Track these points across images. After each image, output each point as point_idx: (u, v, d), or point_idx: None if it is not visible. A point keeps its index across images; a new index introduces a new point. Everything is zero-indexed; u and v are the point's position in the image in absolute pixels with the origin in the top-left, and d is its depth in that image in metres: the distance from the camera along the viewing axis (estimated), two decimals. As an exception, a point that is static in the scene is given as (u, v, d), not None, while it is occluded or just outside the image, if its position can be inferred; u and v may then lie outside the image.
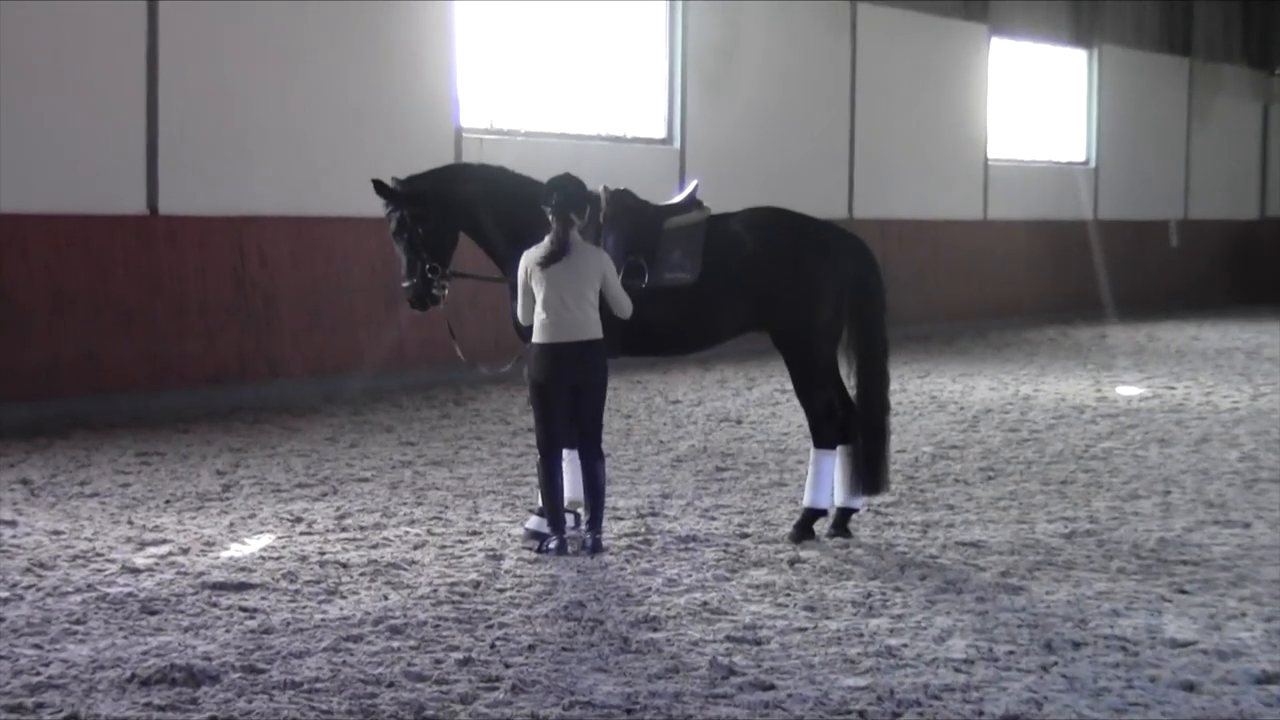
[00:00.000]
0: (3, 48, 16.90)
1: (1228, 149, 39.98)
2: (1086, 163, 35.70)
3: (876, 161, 29.19)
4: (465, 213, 11.53)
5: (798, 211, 12.00)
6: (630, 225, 11.38)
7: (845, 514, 11.62)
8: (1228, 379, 22.25)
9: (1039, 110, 34.39)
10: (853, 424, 11.52)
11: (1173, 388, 21.23)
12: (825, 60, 28.21)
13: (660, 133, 25.22)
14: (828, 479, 11.50)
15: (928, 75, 30.58)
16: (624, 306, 11.02)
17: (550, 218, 10.84)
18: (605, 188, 11.55)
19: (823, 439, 11.53)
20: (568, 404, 10.99)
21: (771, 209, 12.04)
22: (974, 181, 32.08)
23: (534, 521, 11.33)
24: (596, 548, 10.92)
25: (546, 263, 10.79)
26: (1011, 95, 33.33)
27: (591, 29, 24.02)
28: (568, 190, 10.95)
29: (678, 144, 25.21)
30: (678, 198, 11.81)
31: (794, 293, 11.45)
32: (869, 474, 11.47)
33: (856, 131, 28.90)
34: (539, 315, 10.84)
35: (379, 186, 11.46)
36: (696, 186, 11.83)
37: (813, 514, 11.54)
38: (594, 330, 10.91)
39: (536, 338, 10.90)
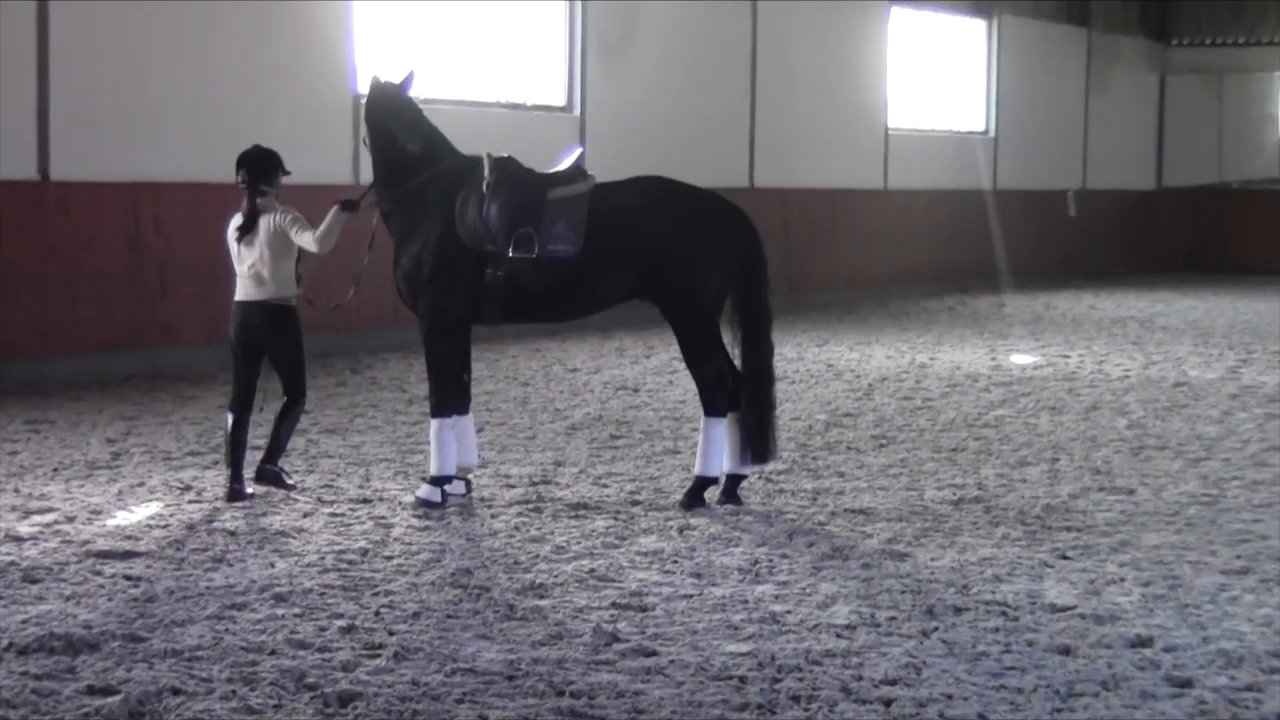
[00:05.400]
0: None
1: (1125, 120, 40.25)
2: (985, 132, 35.89)
3: (777, 130, 29.23)
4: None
5: (682, 181, 12.01)
6: (515, 195, 11.31)
7: (735, 481, 11.67)
8: (1120, 348, 22.47)
9: (939, 80, 34.53)
10: (740, 393, 11.57)
11: (1066, 356, 21.43)
12: (727, 29, 28.20)
13: (560, 100, 25.16)
14: (719, 447, 11.54)
15: (829, 44, 30.63)
16: (317, 240, 11.55)
17: (242, 188, 11.64)
18: (489, 155, 11.51)
19: (714, 407, 11.57)
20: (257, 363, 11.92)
21: (657, 178, 12.04)
22: (874, 151, 32.19)
23: (425, 490, 11.37)
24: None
25: (241, 234, 11.61)
26: (911, 65, 33.45)
27: (491, -5, 23.91)
28: (256, 163, 11.71)
29: (578, 111, 25.16)
30: (561, 165, 11.74)
31: (681, 263, 11.45)
32: (756, 443, 11.51)
33: (757, 100, 28.92)
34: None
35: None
36: (582, 155, 11.81)
37: (704, 482, 11.59)
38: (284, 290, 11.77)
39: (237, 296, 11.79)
